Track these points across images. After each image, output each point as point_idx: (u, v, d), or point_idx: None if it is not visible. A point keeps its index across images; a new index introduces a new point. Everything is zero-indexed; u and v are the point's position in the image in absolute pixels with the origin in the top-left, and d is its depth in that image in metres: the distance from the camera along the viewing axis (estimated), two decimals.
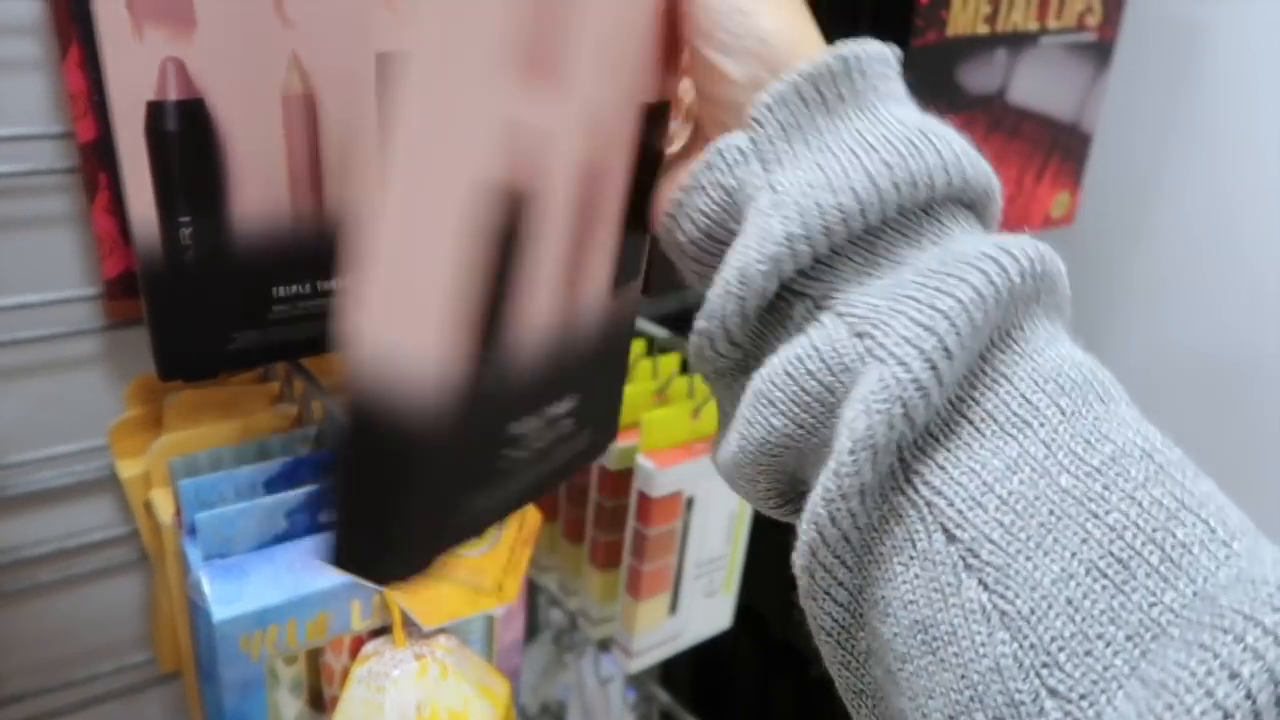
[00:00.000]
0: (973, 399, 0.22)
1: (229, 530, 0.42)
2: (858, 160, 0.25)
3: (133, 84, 0.34)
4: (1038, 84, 0.57)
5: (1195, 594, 0.19)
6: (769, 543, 0.64)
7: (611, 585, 0.55)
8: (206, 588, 0.40)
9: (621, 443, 0.52)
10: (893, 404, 0.22)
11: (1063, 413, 0.22)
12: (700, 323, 0.27)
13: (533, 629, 0.68)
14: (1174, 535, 0.20)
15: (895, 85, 0.27)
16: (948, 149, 0.25)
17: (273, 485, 0.45)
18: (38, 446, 0.55)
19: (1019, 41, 0.55)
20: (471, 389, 0.25)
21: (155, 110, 0.35)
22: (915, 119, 0.26)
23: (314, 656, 0.44)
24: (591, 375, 0.31)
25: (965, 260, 0.23)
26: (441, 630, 0.44)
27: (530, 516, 0.44)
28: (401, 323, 0.25)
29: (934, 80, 0.51)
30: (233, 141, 0.37)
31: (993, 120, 0.55)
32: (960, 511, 0.21)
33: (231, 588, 0.41)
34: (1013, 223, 0.60)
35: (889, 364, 0.22)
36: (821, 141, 0.26)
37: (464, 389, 0.25)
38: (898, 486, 0.22)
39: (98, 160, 0.46)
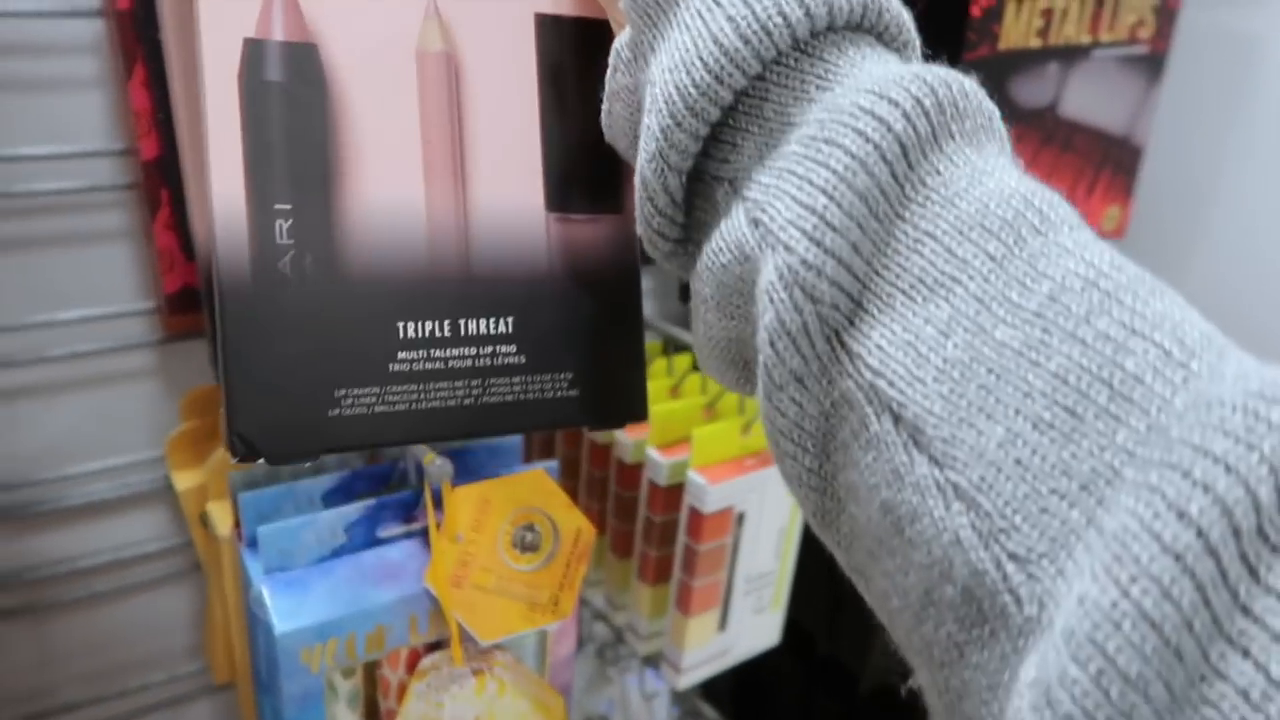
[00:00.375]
0: (901, 265, 0.21)
1: (289, 544, 0.42)
2: (703, 25, 0.23)
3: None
4: (1090, 97, 0.57)
5: (1150, 428, 0.18)
6: (817, 558, 0.64)
7: (661, 600, 0.55)
8: (268, 601, 0.41)
9: (672, 458, 0.52)
10: (790, 289, 0.21)
11: (992, 259, 0.20)
12: (637, 228, 0.27)
13: (577, 643, 0.68)
14: (1123, 368, 0.18)
15: None
16: None
17: (329, 498, 0.45)
18: (93, 458, 0.56)
19: (1071, 54, 0.55)
20: (278, 238, 0.28)
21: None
22: None
23: (370, 670, 0.44)
24: (545, 305, 0.31)
25: (840, 120, 0.22)
26: (497, 646, 0.44)
27: (585, 532, 0.44)
28: (208, 171, 0.28)
29: (986, 93, 0.51)
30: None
31: (1044, 134, 0.55)
32: (901, 390, 0.20)
33: (293, 601, 0.41)
34: None
35: (778, 250, 0.22)
36: (677, 15, 0.24)
37: (260, 233, 0.27)
38: (844, 371, 0.21)
39: (160, 177, 0.46)
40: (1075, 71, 0.56)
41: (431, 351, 0.30)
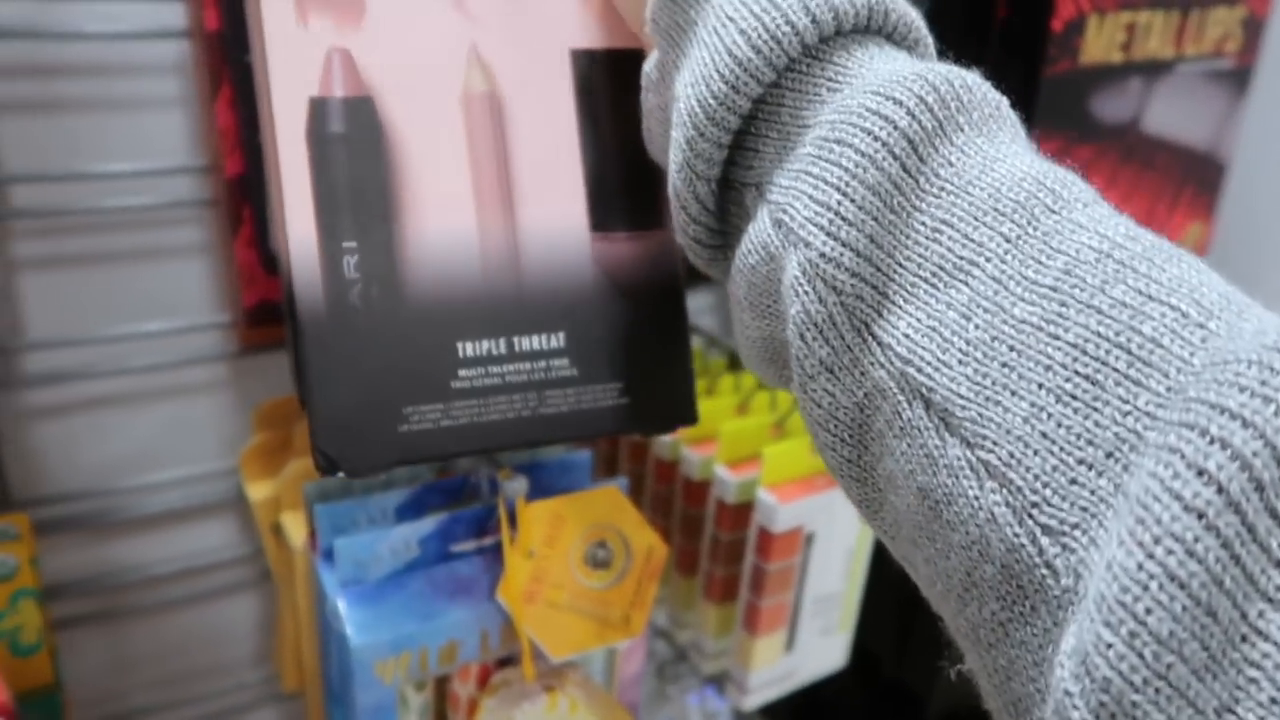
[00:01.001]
0: (921, 255, 0.22)
1: (365, 556, 0.42)
2: (719, 40, 0.25)
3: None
4: (1173, 113, 0.55)
5: (1169, 389, 0.18)
6: (885, 580, 0.62)
7: (726, 619, 0.55)
8: (344, 613, 0.41)
9: (740, 476, 0.52)
10: (812, 282, 0.22)
11: (1008, 240, 0.21)
12: (676, 237, 0.29)
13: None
14: (1140, 332, 0.18)
15: None
16: None
17: (402, 512, 0.45)
18: (168, 468, 0.57)
19: (1154, 70, 0.54)
20: (347, 273, 0.31)
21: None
22: None
23: (441, 683, 0.44)
24: (594, 319, 0.33)
25: (849, 120, 0.23)
26: (568, 663, 0.44)
27: (657, 550, 0.44)
28: (277, 211, 0.31)
29: (1065, 110, 0.50)
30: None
31: (1125, 150, 0.54)
32: (929, 375, 0.21)
33: (368, 613, 0.41)
34: None
35: (799, 247, 0.23)
36: (695, 34, 0.26)
37: (331, 269, 0.30)
38: (876, 361, 0.22)
39: (242, 194, 0.47)
40: (1158, 87, 0.54)
41: (489, 369, 0.32)
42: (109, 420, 0.56)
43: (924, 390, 0.21)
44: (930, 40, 0.27)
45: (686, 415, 0.35)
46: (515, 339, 0.32)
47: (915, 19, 0.26)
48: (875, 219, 0.22)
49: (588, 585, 0.43)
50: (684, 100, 0.26)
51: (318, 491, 0.46)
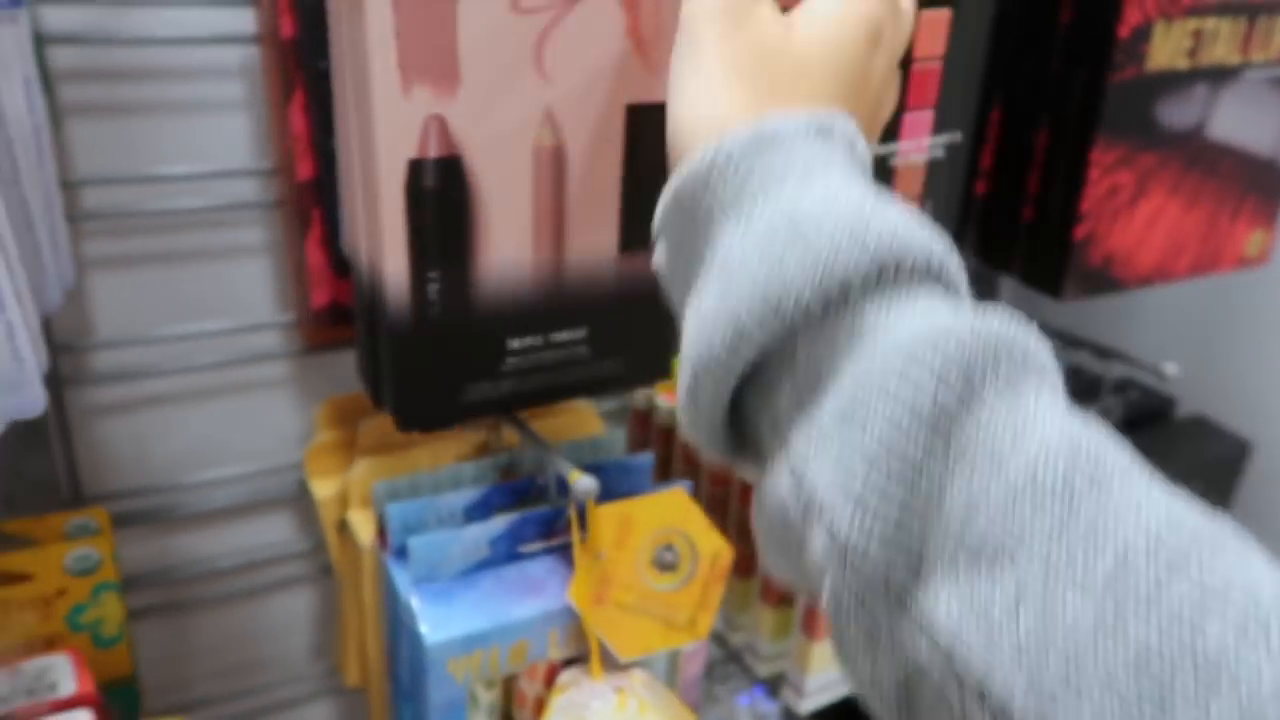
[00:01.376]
0: (960, 529, 0.21)
1: (438, 556, 0.43)
2: (730, 286, 0.24)
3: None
4: (1238, 120, 0.55)
5: (1241, 707, 0.17)
6: None
7: (783, 622, 0.55)
8: (419, 611, 0.42)
9: None
10: (843, 554, 0.22)
11: (1051, 524, 0.20)
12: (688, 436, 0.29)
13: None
14: (1205, 636, 0.18)
15: (775, 163, 0.26)
16: (819, 237, 0.24)
17: (471, 512, 0.46)
18: (231, 464, 0.58)
19: (1220, 76, 0.53)
20: (430, 297, 0.38)
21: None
22: (787, 212, 0.24)
23: (509, 682, 0.45)
24: (610, 316, 0.42)
25: (874, 382, 0.22)
26: (634, 664, 0.44)
27: (723, 553, 0.44)
28: (370, 244, 0.38)
29: (1131, 117, 0.50)
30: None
31: (1189, 158, 0.53)
32: (979, 668, 0.20)
33: (441, 612, 0.42)
34: (1204, 262, 0.58)
35: (824, 517, 0.22)
36: (705, 262, 0.26)
37: (418, 293, 0.38)
38: (917, 629, 0.21)
39: (314, 196, 0.48)
40: (1224, 93, 0.54)
41: (529, 356, 0.41)
42: (175, 417, 0.57)
43: (975, 683, 0.20)
44: (959, 264, 0.25)
45: (663, 373, 0.45)
46: (550, 334, 0.41)
47: (933, 248, 0.24)
48: (907, 488, 0.21)
49: (655, 588, 0.43)
50: (691, 343, 0.25)
51: (388, 491, 0.46)
